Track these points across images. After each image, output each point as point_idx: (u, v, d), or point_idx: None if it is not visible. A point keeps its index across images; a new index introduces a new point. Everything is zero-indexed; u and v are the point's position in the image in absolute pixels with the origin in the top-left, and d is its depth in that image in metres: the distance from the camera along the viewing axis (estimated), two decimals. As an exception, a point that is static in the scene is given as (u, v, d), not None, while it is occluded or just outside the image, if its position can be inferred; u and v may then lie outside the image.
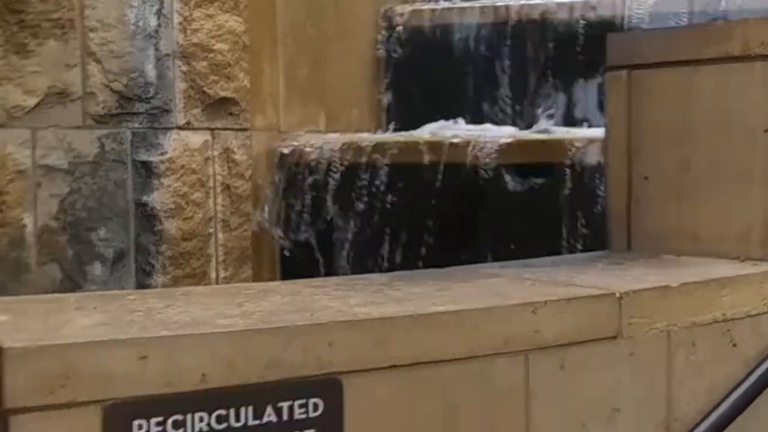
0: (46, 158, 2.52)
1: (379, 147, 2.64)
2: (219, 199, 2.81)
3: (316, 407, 1.37)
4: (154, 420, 1.28)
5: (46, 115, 2.51)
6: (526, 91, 2.98)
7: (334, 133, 2.93)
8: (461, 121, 2.85)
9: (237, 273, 2.84)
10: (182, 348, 1.28)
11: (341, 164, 2.73)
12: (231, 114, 2.82)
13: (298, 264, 2.88)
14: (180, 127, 2.71)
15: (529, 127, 2.71)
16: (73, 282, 2.55)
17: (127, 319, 1.36)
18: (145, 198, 2.68)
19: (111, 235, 2.62)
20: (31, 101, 2.49)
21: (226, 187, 2.82)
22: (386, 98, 3.17)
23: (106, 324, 1.34)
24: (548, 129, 2.57)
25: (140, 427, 1.28)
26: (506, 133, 2.59)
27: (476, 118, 2.89)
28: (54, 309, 1.43)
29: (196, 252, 2.77)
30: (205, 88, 2.74)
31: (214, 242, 2.80)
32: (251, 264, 2.89)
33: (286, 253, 2.91)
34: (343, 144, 2.74)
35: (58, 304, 1.48)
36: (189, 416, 1.30)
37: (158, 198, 2.69)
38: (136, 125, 2.64)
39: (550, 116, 2.75)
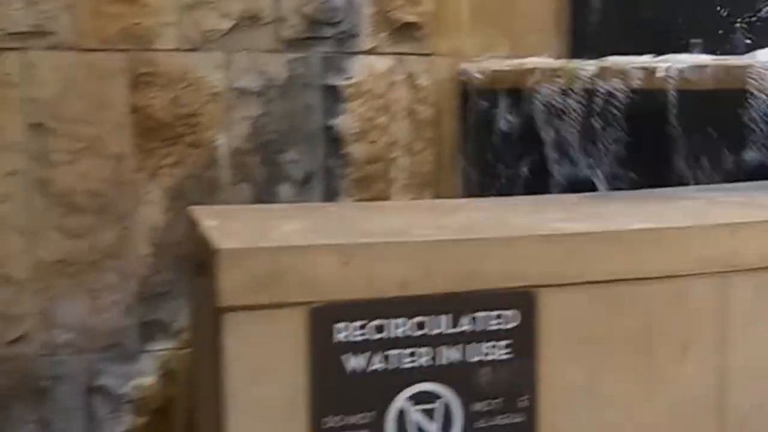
0: (238, 81, 2.60)
1: (566, 72, 2.60)
2: (402, 124, 2.84)
3: (511, 319, 1.39)
4: (355, 323, 1.32)
5: (240, 38, 2.58)
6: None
7: (517, 59, 2.91)
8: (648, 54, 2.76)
9: (418, 197, 2.87)
10: (383, 255, 1.31)
11: (525, 89, 2.70)
12: (415, 39, 2.83)
13: (478, 189, 2.88)
14: (366, 52, 2.74)
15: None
16: (262, 201, 2.63)
17: (330, 227, 1.40)
18: (331, 122, 2.73)
19: (299, 157, 2.69)
20: (226, 25, 2.56)
21: (410, 112, 2.84)
22: (573, 24, 3.11)
23: (310, 230, 1.38)
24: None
25: (343, 329, 1.32)
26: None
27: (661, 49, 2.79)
28: (259, 216, 1.49)
29: (379, 176, 2.81)
30: (390, 13, 2.76)
31: (397, 166, 2.84)
32: (432, 189, 2.92)
33: (468, 178, 2.92)
34: (527, 69, 2.71)
35: (262, 213, 1.54)
36: (389, 321, 1.34)
37: (344, 122, 2.74)
38: (325, 50, 2.69)
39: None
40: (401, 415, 1.37)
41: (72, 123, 2.42)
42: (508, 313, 1.38)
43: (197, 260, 1.42)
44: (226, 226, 1.39)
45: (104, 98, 2.44)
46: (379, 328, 1.33)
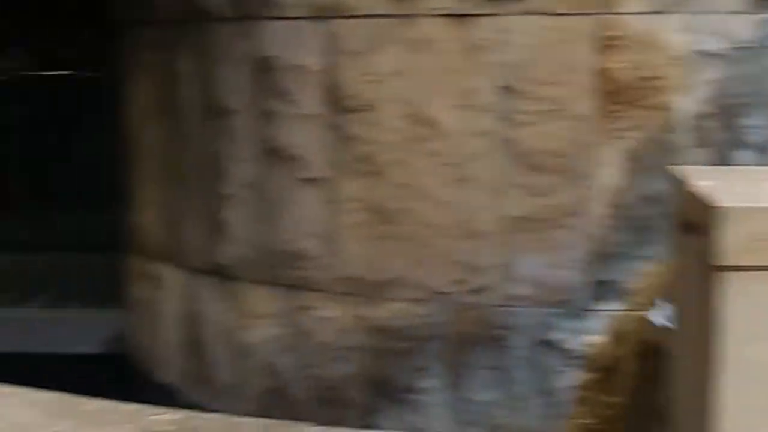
0: (701, 43, 2.55)
1: None
2: None
3: None
4: None
5: (703, 0, 2.53)
6: None
7: None
8: None
9: None
10: None
11: None
12: None
13: None
14: (841, 11, 2.59)
15: None
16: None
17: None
18: (798, 85, 2.61)
19: (761, 122, 2.60)
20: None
21: None
22: None
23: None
24: None
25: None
26: None
27: None
28: (751, 177, 1.47)
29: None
30: None
31: None
32: None
33: None
34: None
35: (753, 174, 1.52)
36: None
37: (812, 85, 2.60)
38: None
39: None
40: None
41: (539, 85, 2.52)
42: None
43: (688, 219, 1.43)
44: (723, 186, 1.38)
45: (570, 61, 2.51)
46: None
